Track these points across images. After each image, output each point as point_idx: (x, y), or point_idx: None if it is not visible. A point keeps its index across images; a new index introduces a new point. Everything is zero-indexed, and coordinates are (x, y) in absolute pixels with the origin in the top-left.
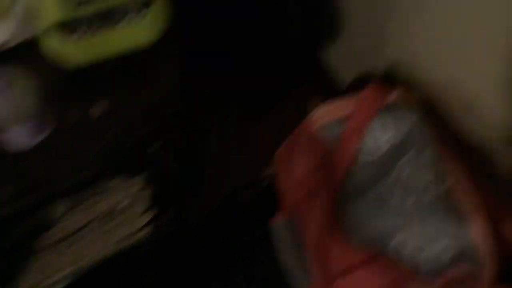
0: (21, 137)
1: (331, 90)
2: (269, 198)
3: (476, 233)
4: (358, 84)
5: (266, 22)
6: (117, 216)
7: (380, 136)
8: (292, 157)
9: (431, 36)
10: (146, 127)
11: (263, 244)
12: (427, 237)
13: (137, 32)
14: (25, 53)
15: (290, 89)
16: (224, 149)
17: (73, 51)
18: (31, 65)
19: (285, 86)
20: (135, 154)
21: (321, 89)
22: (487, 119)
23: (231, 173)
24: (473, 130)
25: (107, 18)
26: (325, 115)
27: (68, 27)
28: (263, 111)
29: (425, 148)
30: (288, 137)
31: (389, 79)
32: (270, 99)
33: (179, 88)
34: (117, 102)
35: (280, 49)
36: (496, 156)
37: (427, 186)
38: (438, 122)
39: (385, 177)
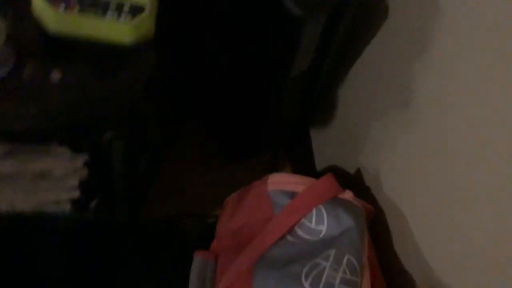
0: None
1: (305, 165)
2: (207, 235)
3: None
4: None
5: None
6: (46, 180)
7: (315, 225)
8: (238, 207)
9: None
10: (98, 112)
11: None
12: None
13: (120, 30)
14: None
15: (270, 149)
16: (188, 177)
17: (53, 18)
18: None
19: (266, 146)
20: (86, 134)
21: (297, 159)
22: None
23: (184, 200)
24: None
25: (98, 6)
26: (279, 182)
27: None
28: (236, 159)
29: (348, 254)
30: (242, 188)
31: (356, 180)
32: (249, 151)
33: (140, 93)
34: (77, 78)
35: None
36: None
37: (336, 285)
38: (374, 240)
39: (303, 260)
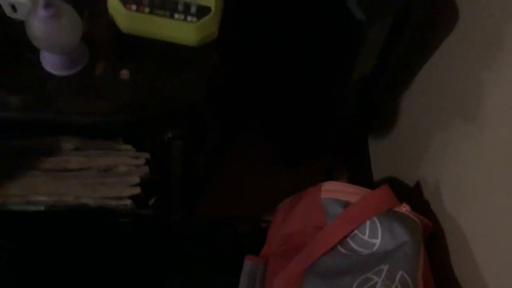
0: (57, 64)
1: (362, 175)
2: (259, 240)
3: None
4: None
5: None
6: (111, 176)
7: (368, 237)
8: (290, 214)
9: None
10: (163, 110)
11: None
12: None
13: (187, 30)
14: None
15: (327, 155)
16: (244, 180)
17: (125, 17)
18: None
19: (324, 152)
20: (148, 133)
21: (354, 168)
22: None
23: (239, 202)
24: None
25: (167, 7)
26: (333, 190)
27: None
28: (294, 164)
29: (401, 270)
30: (296, 194)
31: (415, 193)
32: (306, 157)
33: (202, 92)
34: (144, 76)
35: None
36: None
37: None
38: (430, 257)
39: (354, 274)
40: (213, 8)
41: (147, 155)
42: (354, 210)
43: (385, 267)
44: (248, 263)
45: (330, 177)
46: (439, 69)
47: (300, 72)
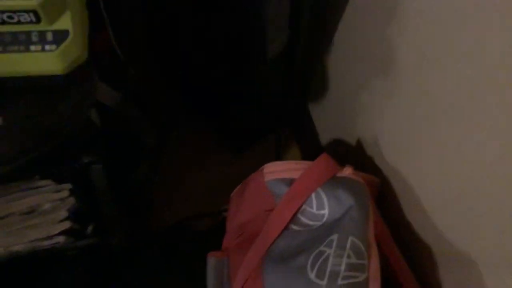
0: None
1: (311, 143)
2: (221, 233)
3: None
4: (335, 148)
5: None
6: (36, 216)
7: (316, 209)
8: (241, 202)
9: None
10: (50, 146)
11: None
12: None
13: (47, 60)
14: None
15: (271, 131)
16: (193, 177)
17: None
18: None
19: (266, 130)
20: (63, 163)
21: (302, 138)
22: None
23: (194, 201)
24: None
25: (19, 41)
26: (275, 171)
27: None
28: (240, 149)
29: (351, 236)
30: (243, 181)
31: (358, 152)
32: (248, 140)
33: (83, 116)
34: (18, 120)
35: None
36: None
37: (341, 272)
38: (380, 212)
39: (308, 250)
40: (71, 30)
41: (69, 185)
42: (297, 186)
43: (335, 237)
44: (212, 259)
45: (278, 153)
46: (353, 29)
47: (219, 59)
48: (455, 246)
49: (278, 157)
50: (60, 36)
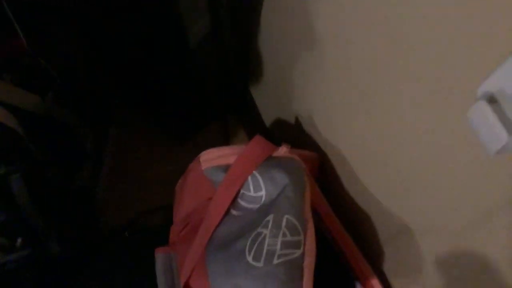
0: None
1: (256, 125)
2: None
3: None
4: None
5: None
6: None
7: (254, 192)
8: (183, 193)
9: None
10: None
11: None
12: None
13: None
14: None
15: (215, 119)
16: (140, 173)
17: None
18: None
19: (210, 117)
20: None
21: (247, 122)
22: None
23: (142, 197)
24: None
25: None
26: (211, 159)
27: None
28: (187, 139)
29: (286, 215)
30: (184, 173)
31: (296, 129)
32: (191, 129)
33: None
34: None
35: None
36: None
37: (277, 251)
38: (321, 185)
39: (246, 234)
40: None
41: None
42: (233, 171)
43: (271, 217)
44: (159, 255)
45: (226, 139)
46: (274, 7)
47: (143, 52)
48: (392, 214)
49: (227, 143)
50: None
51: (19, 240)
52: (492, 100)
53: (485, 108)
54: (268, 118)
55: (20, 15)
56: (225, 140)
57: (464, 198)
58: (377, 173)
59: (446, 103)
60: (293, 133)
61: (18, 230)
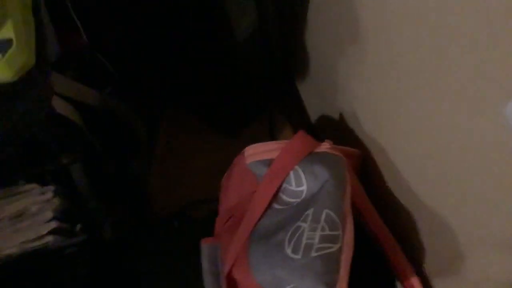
0: None
1: (302, 121)
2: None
3: None
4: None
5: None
6: (24, 219)
7: (295, 186)
8: (228, 187)
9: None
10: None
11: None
12: None
13: None
14: None
15: (263, 114)
16: (189, 165)
17: None
18: None
19: (258, 112)
20: (44, 166)
21: (293, 118)
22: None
23: (191, 189)
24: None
25: None
26: (255, 153)
27: None
28: (235, 133)
29: (326, 209)
30: (230, 166)
31: (340, 126)
32: (238, 124)
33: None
34: None
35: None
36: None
37: (315, 245)
38: (363, 183)
39: (287, 227)
40: (15, 39)
41: (52, 187)
42: (275, 166)
43: (310, 211)
44: (205, 245)
45: (272, 134)
46: (319, 3)
47: (192, 49)
48: (434, 212)
49: (272, 137)
50: (4, 46)
51: (79, 225)
52: None
53: None
54: (313, 114)
55: (81, 11)
56: (271, 135)
57: (506, 200)
58: (420, 172)
59: (486, 101)
60: (337, 130)
61: (78, 216)
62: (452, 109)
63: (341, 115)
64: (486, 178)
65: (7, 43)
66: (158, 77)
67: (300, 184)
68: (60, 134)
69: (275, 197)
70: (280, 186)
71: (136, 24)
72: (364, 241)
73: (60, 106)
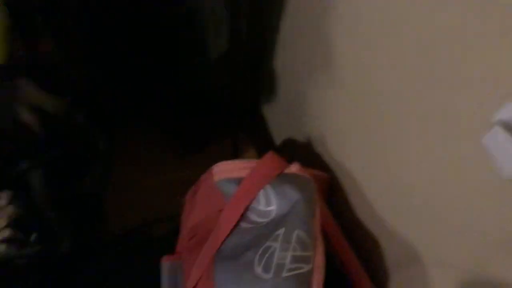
0: None
1: (266, 144)
2: (177, 238)
3: None
4: (288, 146)
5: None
6: None
7: (264, 206)
8: (193, 204)
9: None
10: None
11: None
12: None
13: None
14: None
15: (226, 135)
16: (148, 182)
17: None
18: None
19: (220, 133)
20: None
21: (257, 140)
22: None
23: (151, 206)
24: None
25: None
26: (224, 171)
27: None
28: (197, 151)
29: (297, 230)
30: (195, 183)
31: (308, 149)
32: (201, 142)
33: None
34: None
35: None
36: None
37: (286, 265)
38: (330, 207)
39: (256, 247)
40: None
41: (9, 193)
42: (245, 185)
43: (281, 231)
44: (166, 263)
45: (235, 155)
46: (292, 29)
47: (163, 64)
48: (402, 241)
49: (236, 158)
50: None
51: (34, 235)
52: (507, 126)
53: (501, 134)
54: (278, 137)
55: (50, 17)
56: (234, 155)
57: (479, 226)
58: (387, 198)
59: (458, 130)
60: (304, 153)
61: (33, 225)
62: (420, 137)
63: (308, 138)
64: (454, 204)
65: None
66: (119, 90)
67: (269, 204)
68: (19, 139)
69: (243, 216)
70: (249, 205)
71: (106, 33)
72: (331, 266)
73: (21, 111)
